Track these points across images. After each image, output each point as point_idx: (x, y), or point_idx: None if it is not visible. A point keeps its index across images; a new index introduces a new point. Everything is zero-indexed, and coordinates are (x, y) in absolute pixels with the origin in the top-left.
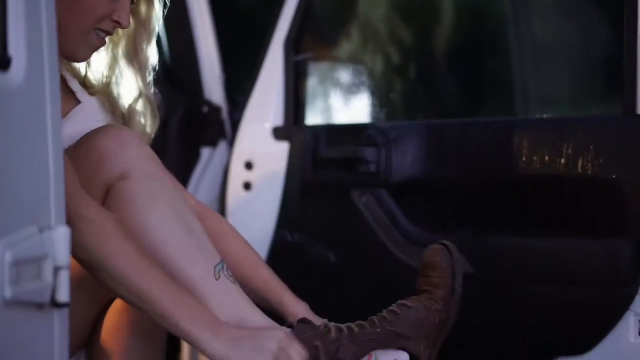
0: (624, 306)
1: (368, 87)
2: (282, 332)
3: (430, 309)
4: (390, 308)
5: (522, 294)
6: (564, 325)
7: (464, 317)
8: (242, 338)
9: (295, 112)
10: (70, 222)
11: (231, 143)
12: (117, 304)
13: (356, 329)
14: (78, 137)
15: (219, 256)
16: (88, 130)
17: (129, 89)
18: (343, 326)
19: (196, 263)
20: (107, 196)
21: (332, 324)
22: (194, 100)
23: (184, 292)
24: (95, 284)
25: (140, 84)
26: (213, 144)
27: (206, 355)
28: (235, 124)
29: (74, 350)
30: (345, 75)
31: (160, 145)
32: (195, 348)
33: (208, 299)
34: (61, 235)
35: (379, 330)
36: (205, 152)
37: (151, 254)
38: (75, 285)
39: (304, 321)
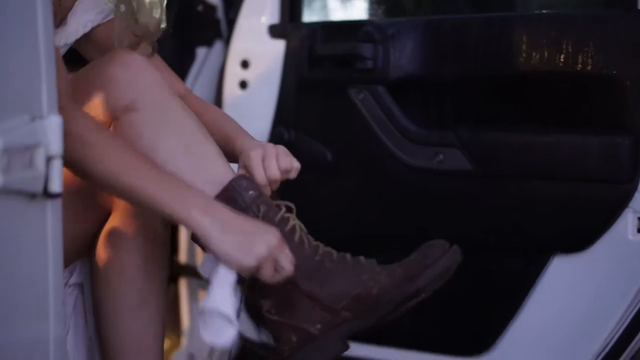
0: (622, 203)
1: None
2: (275, 237)
3: (375, 276)
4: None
5: (519, 190)
6: (562, 222)
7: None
8: (233, 226)
9: (291, 9)
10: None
11: (227, 42)
12: (117, 214)
13: (296, 235)
14: (82, 29)
15: (229, 177)
16: (91, 22)
17: None
18: (297, 225)
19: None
20: (113, 126)
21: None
22: None
23: (171, 176)
24: (91, 196)
25: None
26: (208, 43)
27: (193, 229)
28: (231, 22)
29: (68, 260)
30: None
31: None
32: (187, 227)
33: None
34: (53, 124)
35: (316, 258)
36: (201, 51)
37: None
38: (72, 195)
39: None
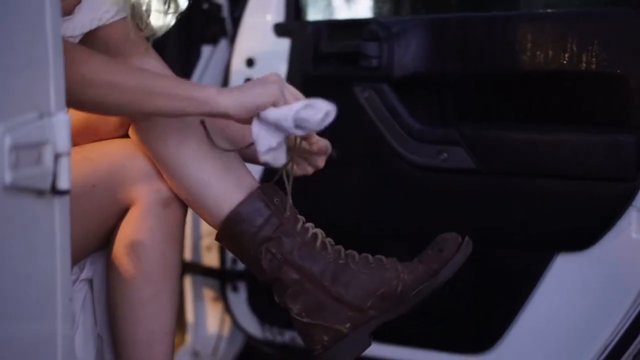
0: (626, 201)
1: None
2: (276, 82)
3: (398, 274)
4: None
5: (523, 188)
6: (566, 220)
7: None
8: (243, 88)
9: (296, 7)
10: None
11: (232, 40)
12: (135, 209)
13: (318, 242)
14: (89, 26)
15: (255, 183)
16: (98, 20)
17: None
18: (318, 232)
19: (234, 197)
20: (132, 129)
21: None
22: None
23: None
24: (110, 190)
25: None
26: (214, 41)
27: (216, 112)
28: (236, 20)
29: (85, 254)
30: None
31: (160, 43)
32: (203, 112)
33: None
34: (61, 121)
35: (340, 261)
36: (206, 49)
37: (186, 189)
38: (90, 190)
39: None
